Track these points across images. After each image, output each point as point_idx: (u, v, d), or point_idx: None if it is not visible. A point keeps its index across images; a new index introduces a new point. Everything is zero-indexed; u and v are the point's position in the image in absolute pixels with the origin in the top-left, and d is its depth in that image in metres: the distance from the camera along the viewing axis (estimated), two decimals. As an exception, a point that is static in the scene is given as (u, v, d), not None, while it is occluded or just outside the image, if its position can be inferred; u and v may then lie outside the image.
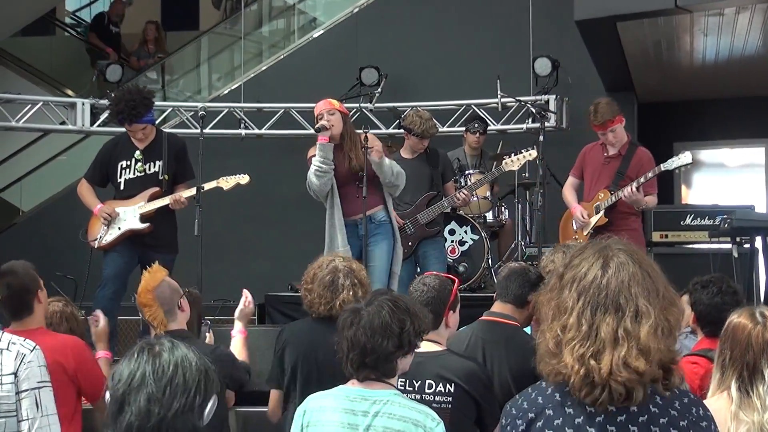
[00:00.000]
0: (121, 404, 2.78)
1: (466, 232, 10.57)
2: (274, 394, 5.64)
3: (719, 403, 3.83)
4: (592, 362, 2.88)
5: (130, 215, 8.51)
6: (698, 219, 10.58)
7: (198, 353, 2.87)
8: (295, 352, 5.56)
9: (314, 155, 8.04)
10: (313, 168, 8.00)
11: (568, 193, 9.18)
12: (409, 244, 9.23)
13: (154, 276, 5.53)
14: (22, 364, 3.99)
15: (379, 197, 8.13)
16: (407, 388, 4.73)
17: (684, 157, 8.78)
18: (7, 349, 4.00)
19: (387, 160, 8.00)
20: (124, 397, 2.77)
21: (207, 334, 6.28)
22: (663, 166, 8.76)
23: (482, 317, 5.68)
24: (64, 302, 6.24)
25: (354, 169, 8.02)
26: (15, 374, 3.96)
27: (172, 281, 5.64)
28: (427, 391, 4.76)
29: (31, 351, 4.05)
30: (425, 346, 4.59)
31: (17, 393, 3.95)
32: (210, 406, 2.87)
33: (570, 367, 2.91)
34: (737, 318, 4.00)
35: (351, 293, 5.57)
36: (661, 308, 2.92)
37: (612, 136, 8.85)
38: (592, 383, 2.88)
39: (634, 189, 8.55)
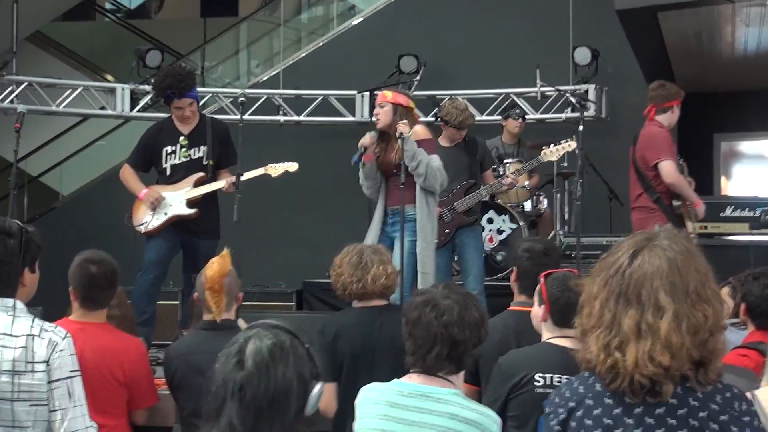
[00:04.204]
0: (223, 401, 2.80)
1: (504, 221, 10.55)
2: (329, 388, 5.53)
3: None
4: (617, 353, 2.88)
5: (176, 201, 8.52)
6: (738, 210, 10.50)
7: (297, 340, 2.88)
8: (346, 344, 5.59)
9: (361, 143, 8.04)
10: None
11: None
12: (446, 231, 9.21)
13: (225, 263, 5.55)
14: (54, 352, 3.93)
15: (412, 193, 7.97)
16: None
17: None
18: (39, 335, 3.94)
19: (414, 147, 7.83)
20: (225, 394, 2.80)
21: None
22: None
23: (510, 308, 5.68)
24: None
25: (396, 161, 7.95)
26: (47, 362, 3.91)
27: (235, 271, 5.67)
28: None
29: (63, 339, 3.98)
30: None
31: (49, 382, 3.91)
32: (315, 392, 2.88)
33: (596, 355, 2.92)
34: None
35: (381, 268, 5.62)
36: (689, 304, 2.88)
37: None
38: (617, 374, 2.88)
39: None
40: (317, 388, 2.87)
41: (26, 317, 3.99)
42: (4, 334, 3.92)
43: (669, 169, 8.53)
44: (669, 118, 8.77)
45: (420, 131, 8.03)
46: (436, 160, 7.93)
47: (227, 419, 2.77)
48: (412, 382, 4.05)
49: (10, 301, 3.99)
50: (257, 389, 2.77)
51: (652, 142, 8.65)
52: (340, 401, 5.52)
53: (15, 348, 3.90)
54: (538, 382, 4.72)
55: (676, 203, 8.64)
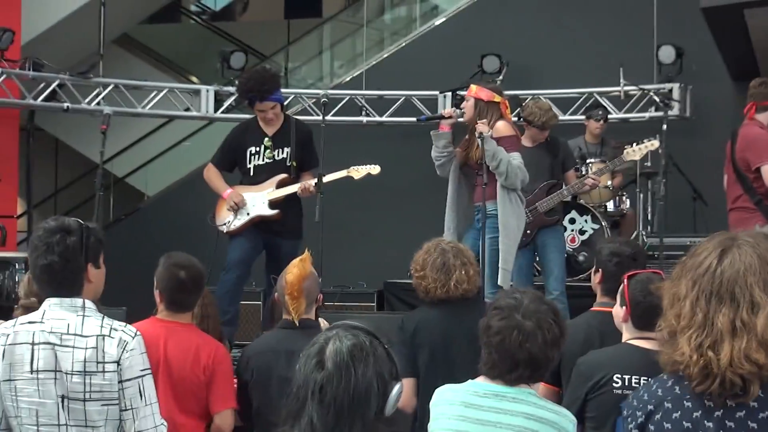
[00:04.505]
0: (303, 401, 2.83)
1: (586, 221, 10.50)
2: (407, 383, 5.49)
3: None
4: (711, 353, 2.84)
5: (259, 201, 8.58)
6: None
7: (377, 341, 2.91)
8: (425, 339, 5.60)
9: (443, 112, 8.23)
10: (433, 155, 8.12)
11: None
12: (528, 232, 9.13)
13: (305, 266, 5.57)
14: (125, 351, 3.94)
15: (494, 189, 7.90)
16: None
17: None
18: (110, 335, 3.95)
19: (494, 147, 7.75)
20: (306, 395, 2.82)
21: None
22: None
23: (593, 308, 5.64)
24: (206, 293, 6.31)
25: (477, 159, 7.94)
26: (118, 362, 3.93)
27: (315, 273, 5.69)
28: None
29: (134, 338, 3.99)
30: None
31: (120, 381, 3.93)
32: (395, 392, 2.89)
33: (688, 356, 2.87)
34: None
35: (463, 272, 5.62)
36: None
37: None
38: (708, 374, 2.84)
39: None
40: (397, 388, 2.89)
41: (96, 316, 4.02)
42: (75, 334, 3.96)
43: None
44: None
45: (502, 128, 7.96)
46: (517, 158, 7.88)
47: (308, 419, 2.80)
48: (486, 382, 4.02)
49: (79, 301, 4.02)
50: (337, 389, 2.79)
51: (754, 144, 8.48)
52: (419, 398, 5.51)
53: (86, 348, 3.93)
54: (617, 383, 4.70)
55: None
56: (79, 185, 16.39)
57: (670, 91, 12.60)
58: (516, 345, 3.91)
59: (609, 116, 11.61)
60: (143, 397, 3.99)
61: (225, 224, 8.64)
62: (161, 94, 13.59)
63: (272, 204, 8.54)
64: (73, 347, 3.94)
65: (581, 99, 13.01)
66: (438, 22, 14.53)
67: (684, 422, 2.90)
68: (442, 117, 8.15)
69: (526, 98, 12.67)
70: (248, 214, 8.58)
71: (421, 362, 5.61)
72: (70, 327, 3.96)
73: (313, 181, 8.51)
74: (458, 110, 8.19)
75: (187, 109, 13.82)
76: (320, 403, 2.79)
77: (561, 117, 11.70)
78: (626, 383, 4.69)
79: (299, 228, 8.71)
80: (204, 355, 5.43)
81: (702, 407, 2.89)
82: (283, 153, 8.62)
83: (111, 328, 3.99)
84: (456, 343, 5.54)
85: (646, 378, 4.56)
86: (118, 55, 16.05)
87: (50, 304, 4.02)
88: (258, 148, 8.64)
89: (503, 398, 3.95)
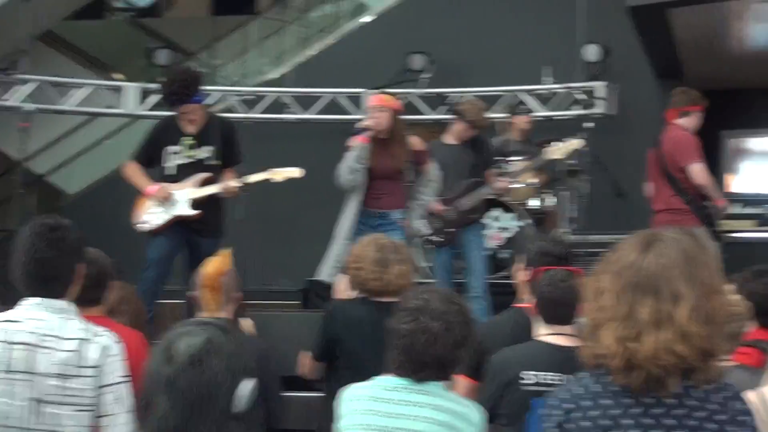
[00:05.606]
0: (154, 396, 2.79)
1: (509, 219, 10.54)
2: (313, 362, 5.81)
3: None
4: (633, 344, 2.84)
5: (180, 201, 8.52)
6: (744, 208, 10.48)
7: (229, 336, 2.88)
8: (354, 336, 5.65)
9: (367, 124, 8.26)
10: (345, 164, 8.26)
11: None
12: (450, 231, 9.21)
13: (225, 261, 5.54)
14: (107, 357, 3.92)
15: (402, 198, 8.29)
16: None
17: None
18: (92, 340, 3.92)
19: None
20: (155, 389, 2.79)
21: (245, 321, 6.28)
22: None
23: (515, 305, 5.66)
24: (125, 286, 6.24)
25: (393, 167, 8.23)
26: (98, 368, 3.89)
27: (235, 271, 5.66)
28: None
29: (116, 344, 3.98)
30: None
31: (100, 387, 3.89)
32: (246, 389, 2.86)
33: (610, 348, 2.87)
34: None
35: (401, 267, 5.64)
36: (702, 294, 2.86)
37: None
38: (630, 366, 2.84)
39: None
40: (249, 384, 2.87)
41: (78, 320, 3.99)
42: (55, 336, 3.90)
43: (699, 172, 8.75)
44: (690, 122, 8.97)
45: (417, 142, 8.36)
46: (436, 169, 8.36)
47: (158, 415, 2.78)
48: (395, 377, 4.03)
49: (61, 303, 3.99)
50: (187, 384, 2.76)
51: (681, 145, 8.83)
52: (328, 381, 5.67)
53: (65, 351, 3.88)
54: (527, 379, 4.76)
55: (707, 204, 8.83)
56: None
57: (595, 89, 12.68)
58: (424, 347, 3.92)
59: (534, 114, 11.64)
60: (122, 404, 3.95)
61: (144, 222, 8.55)
62: (86, 92, 13.45)
63: (194, 203, 8.47)
64: (52, 349, 3.88)
65: (507, 97, 13.04)
66: (365, 20, 14.55)
67: (602, 420, 2.90)
68: (368, 128, 8.21)
69: (452, 96, 12.74)
70: (168, 213, 8.50)
71: (345, 354, 5.61)
72: (50, 328, 3.91)
73: (236, 182, 8.46)
74: (374, 121, 8.22)
75: (111, 107, 13.69)
76: (169, 398, 2.76)
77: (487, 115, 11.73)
78: (536, 380, 4.74)
79: (220, 226, 8.65)
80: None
81: (620, 405, 2.89)
82: (205, 152, 8.54)
83: (94, 333, 3.96)
84: (383, 345, 5.52)
85: (556, 374, 4.65)
86: (42, 52, 15.80)
87: (31, 303, 3.98)
88: (179, 147, 8.55)
89: (412, 391, 3.96)
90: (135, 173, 8.72)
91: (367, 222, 8.32)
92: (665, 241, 2.94)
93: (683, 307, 2.83)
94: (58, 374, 3.85)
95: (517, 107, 11.49)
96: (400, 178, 8.27)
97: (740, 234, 10.44)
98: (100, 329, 4.00)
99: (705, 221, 8.72)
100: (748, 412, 2.91)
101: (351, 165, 8.18)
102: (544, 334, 4.89)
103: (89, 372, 3.88)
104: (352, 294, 5.90)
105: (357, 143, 8.17)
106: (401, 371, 3.99)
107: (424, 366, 3.93)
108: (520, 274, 5.69)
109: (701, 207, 8.76)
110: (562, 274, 4.92)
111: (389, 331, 4.03)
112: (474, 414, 4.02)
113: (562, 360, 4.67)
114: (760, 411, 3.46)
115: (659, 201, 8.93)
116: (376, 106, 8.28)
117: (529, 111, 11.50)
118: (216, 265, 5.50)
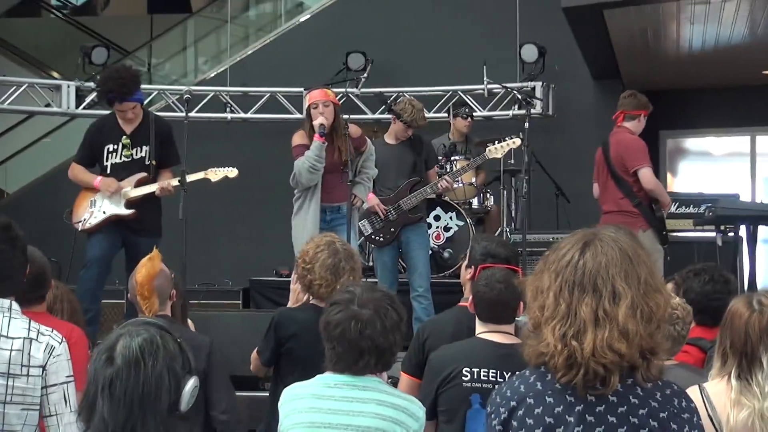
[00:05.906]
0: (95, 397, 2.80)
1: (451, 218, 10.59)
2: (260, 365, 5.74)
3: (719, 387, 3.78)
4: (574, 342, 2.87)
5: (116, 200, 8.47)
6: (683, 207, 10.57)
7: (168, 335, 2.90)
8: (303, 342, 5.57)
9: (301, 144, 8.31)
10: (306, 164, 8.22)
11: None
12: (392, 230, 9.22)
13: (154, 265, 5.50)
14: (52, 357, 3.88)
15: (347, 190, 8.37)
16: None
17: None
18: (37, 339, 3.88)
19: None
20: (96, 391, 2.79)
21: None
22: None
23: (461, 303, 5.68)
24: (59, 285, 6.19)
25: (339, 160, 8.33)
26: (43, 367, 3.86)
27: (166, 270, 5.62)
28: None
29: (60, 343, 3.93)
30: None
31: (45, 387, 3.86)
32: (189, 387, 2.87)
33: (552, 346, 2.90)
34: (735, 305, 3.94)
35: (351, 278, 5.62)
36: (642, 293, 2.90)
37: None
38: (572, 364, 2.88)
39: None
40: (191, 382, 2.89)
41: (22, 319, 3.94)
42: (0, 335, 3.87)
43: (649, 176, 8.85)
44: (637, 125, 9.08)
45: (355, 130, 8.56)
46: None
47: (99, 415, 2.80)
48: (336, 374, 4.06)
49: (5, 302, 3.94)
50: (127, 384, 2.79)
51: (630, 148, 8.92)
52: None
53: (10, 350, 3.84)
54: (466, 376, 4.80)
55: (655, 207, 8.92)
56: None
57: (533, 89, 12.75)
58: (357, 334, 3.96)
59: (473, 114, 11.67)
60: (68, 404, 3.92)
61: (81, 222, 8.50)
62: (21, 90, 13.32)
63: (129, 203, 8.43)
64: None
65: (445, 97, 13.09)
66: (303, 18, 14.50)
67: (546, 417, 2.93)
68: (324, 127, 8.28)
69: (391, 96, 12.75)
70: (104, 212, 8.46)
71: (292, 360, 5.61)
72: None
73: (173, 181, 8.44)
74: (325, 118, 8.30)
75: (48, 105, 13.57)
76: (110, 399, 2.79)
77: (426, 114, 11.75)
78: (475, 376, 4.79)
79: (158, 226, 8.61)
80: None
81: (563, 402, 2.92)
82: (141, 151, 8.50)
83: (38, 332, 3.92)
84: (316, 342, 5.52)
85: (495, 371, 4.73)
86: (-24, 49, 15.71)
87: None
88: (116, 146, 8.51)
89: (354, 387, 4.00)
90: (80, 172, 8.68)
91: (322, 217, 8.40)
92: (603, 240, 2.97)
93: (622, 305, 2.87)
94: (4, 373, 3.82)
95: (460, 108, 11.49)
96: (345, 170, 8.34)
97: (679, 233, 10.54)
98: (44, 328, 3.97)
99: (654, 224, 8.83)
100: (690, 409, 2.95)
101: (313, 164, 8.19)
102: (484, 331, 4.94)
103: (35, 371, 3.85)
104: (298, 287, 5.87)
105: (315, 142, 8.19)
106: (340, 366, 4.02)
107: (362, 354, 3.97)
108: (464, 273, 5.73)
109: (650, 210, 8.86)
110: (500, 274, 4.97)
111: (323, 327, 4.07)
112: (417, 409, 4.06)
113: (501, 357, 4.76)
114: (701, 408, 3.50)
115: (609, 202, 9.00)
116: (322, 101, 8.33)
117: (472, 113, 11.49)
118: (146, 268, 5.47)
